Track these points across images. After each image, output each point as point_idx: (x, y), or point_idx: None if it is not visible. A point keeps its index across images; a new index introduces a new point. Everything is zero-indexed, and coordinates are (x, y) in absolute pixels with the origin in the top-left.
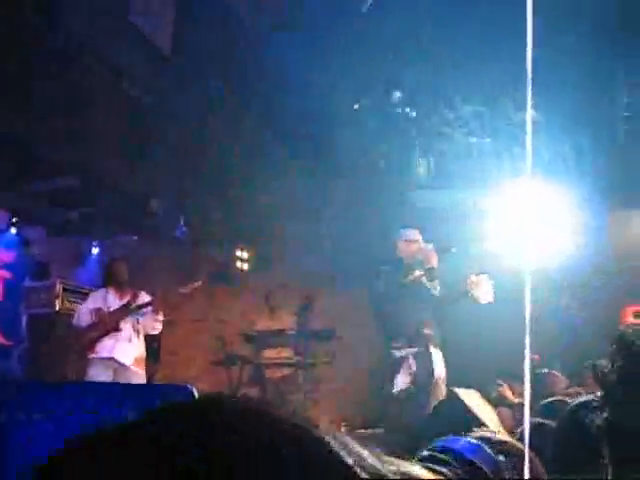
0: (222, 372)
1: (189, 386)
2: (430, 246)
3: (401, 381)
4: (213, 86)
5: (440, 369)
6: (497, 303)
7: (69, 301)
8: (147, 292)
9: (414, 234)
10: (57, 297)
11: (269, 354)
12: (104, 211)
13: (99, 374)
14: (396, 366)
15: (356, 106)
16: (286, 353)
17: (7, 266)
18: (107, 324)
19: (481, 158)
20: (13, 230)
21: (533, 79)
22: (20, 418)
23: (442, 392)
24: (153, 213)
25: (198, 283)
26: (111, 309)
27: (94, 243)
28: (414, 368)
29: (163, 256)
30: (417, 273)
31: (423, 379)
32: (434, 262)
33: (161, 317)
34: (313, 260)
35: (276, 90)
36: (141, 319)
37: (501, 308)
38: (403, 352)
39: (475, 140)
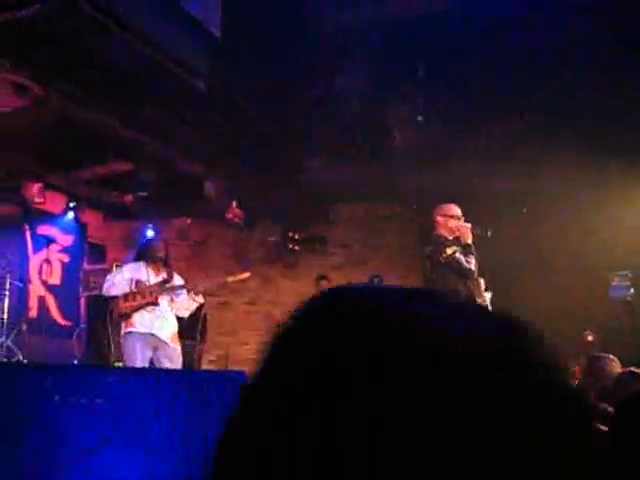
0: None
1: (243, 372)
2: (467, 224)
3: None
4: (263, 68)
5: None
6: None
7: None
8: (201, 274)
9: (452, 209)
10: None
11: None
12: (158, 195)
13: (140, 349)
14: None
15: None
16: None
17: (65, 250)
18: (146, 296)
19: None
20: (70, 214)
21: None
22: (80, 402)
23: None
24: (207, 196)
25: (246, 275)
26: (148, 283)
27: (149, 226)
28: None
29: (216, 238)
30: (451, 250)
31: None
32: (469, 239)
33: (201, 299)
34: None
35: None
36: (176, 298)
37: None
38: None
39: None
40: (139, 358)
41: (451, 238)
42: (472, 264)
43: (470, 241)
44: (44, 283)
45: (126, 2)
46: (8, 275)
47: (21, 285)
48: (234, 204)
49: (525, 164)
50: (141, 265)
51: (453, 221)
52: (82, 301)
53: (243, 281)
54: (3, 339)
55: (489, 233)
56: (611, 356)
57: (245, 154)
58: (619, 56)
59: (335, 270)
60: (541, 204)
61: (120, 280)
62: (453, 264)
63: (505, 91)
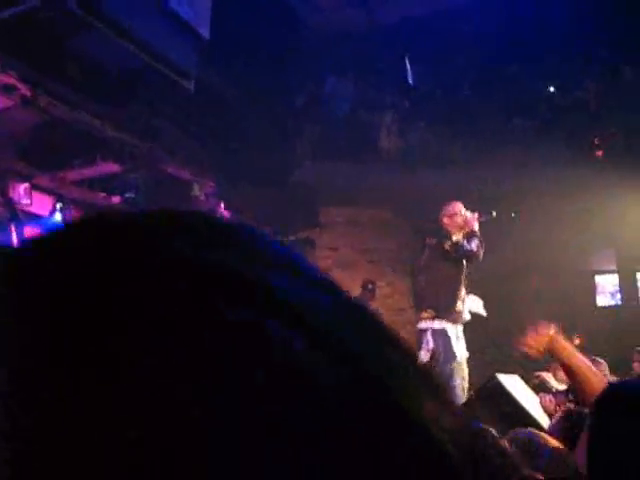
0: None
1: None
2: (473, 214)
3: (422, 357)
4: (253, 70)
5: (462, 350)
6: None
7: None
8: None
9: (454, 207)
10: None
11: None
12: (146, 196)
13: None
14: (417, 340)
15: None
16: None
17: None
18: None
19: None
20: (57, 216)
21: None
22: None
23: (464, 374)
24: (194, 198)
25: None
26: None
27: None
28: (431, 345)
29: None
30: (454, 238)
31: (441, 357)
32: (473, 226)
33: None
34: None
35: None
36: None
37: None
38: (423, 325)
39: None
40: None
41: (465, 231)
42: (474, 246)
43: (476, 227)
44: None
45: (114, 1)
46: None
47: None
48: (222, 206)
49: (512, 167)
50: None
51: (458, 217)
52: None
53: None
54: None
55: (494, 214)
56: (598, 359)
57: (233, 156)
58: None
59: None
60: (528, 208)
61: None
62: (458, 250)
63: (491, 95)
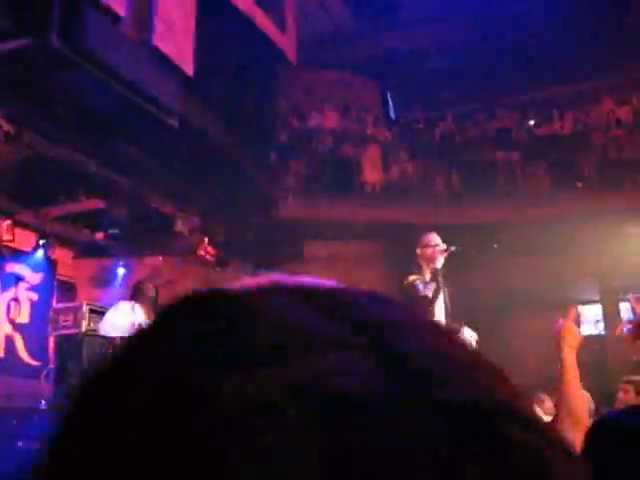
0: None
1: None
2: (442, 248)
3: None
4: (236, 106)
5: None
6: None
7: (95, 322)
8: None
9: (427, 238)
10: (83, 318)
11: None
12: (130, 232)
13: None
14: None
15: None
16: None
17: (34, 288)
18: None
19: None
20: (40, 252)
21: None
22: None
23: None
24: (178, 233)
25: None
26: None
27: (120, 264)
28: None
29: (190, 276)
30: (410, 278)
31: None
32: (437, 263)
33: None
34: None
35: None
36: None
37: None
38: None
39: None
40: None
41: (430, 267)
42: (430, 291)
43: (439, 265)
44: (12, 322)
45: (98, 39)
46: None
47: None
48: (206, 241)
49: (495, 197)
50: (132, 305)
51: (428, 249)
52: (51, 340)
53: None
54: None
55: (452, 248)
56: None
57: (217, 191)
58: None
59: None
60: (513, 237)
61: (120, 322)
62: (411, 291)
63: (474, 127)
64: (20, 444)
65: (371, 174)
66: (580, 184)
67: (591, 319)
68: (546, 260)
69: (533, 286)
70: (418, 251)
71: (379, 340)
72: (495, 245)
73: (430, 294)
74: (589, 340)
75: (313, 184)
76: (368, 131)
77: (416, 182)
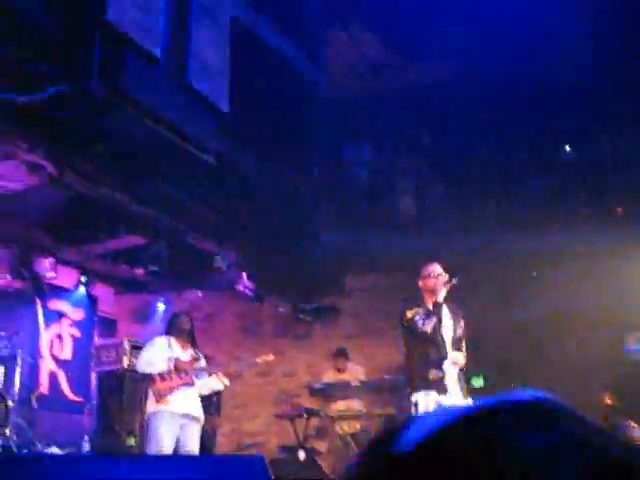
0: (288, 426)
1: (262, 457)
2: (444, 279)
3: None
4: (271, 142)
5: None
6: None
7: (136, 358)
8: (213, 346)
9: (428, 268)
10: (124, 354)
11: (337, 406)
12: (169, 268)
13: (169, 428)
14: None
15: None
16: (355, 405)
17: (77, 324)
18: (182, 376)
19: None
20: (82, 289)
21: None
22: None
23: None
24: (218, 268)
25: (270, 357)
26: (180, 359)
27: (160, 299)
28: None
29: (229, 311)
30: (409, 314)
31: None
32: (439, 296)
33: (227, 381)
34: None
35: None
36: (199, 375)
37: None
38: (413, 398)
39: None
40: (167, 436)
41: (432, 298)
42: (429, 326)
43: (441, 298)
44: (55, 358)
45: (137, 81)
46: (19, 351)
47: (32, 361)
48: (244, 276)
49: (533, 226)
50: (168, 339)
51: (430, 280)
52: (93, 376)
53: (268, 362)
54: (13, 417)
55: (454, 281)
56: (632, 423)
57: (255, 226)
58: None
59: (348, 340)
60: (551, 265)
61: (156, 359)
62: (411, 327)
63: (509, 158)
64: None
65: (406, 205)
66: (620, 210)
67: (637, 346)
68: (591, 288)
69: (575, 313)
70: (420, 283)
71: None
72: (534, 273)
73: (429, 329)
74: (636, 367)
75: (349, 216)
76: (402, 162)
77: (451, 212)
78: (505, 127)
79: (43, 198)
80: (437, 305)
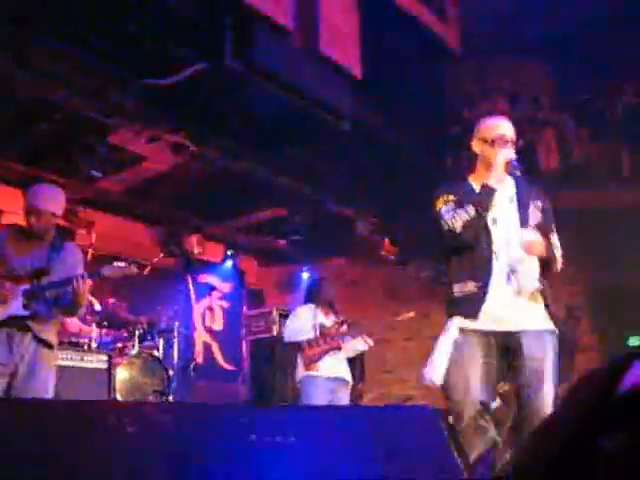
0: (437, 391)
1: (429, 407)
2: (507, 151)
3: None
4: (405, 103)
5: None
6: None
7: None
8: (359, 312)
9: (492, 124)
10: (274, 323)
11: None
12: (311, 237)
13: (321, 393)
14: None
15: None
16: None
17: (226, 296)
18: (329, 342)
19: None
20: (229, 262)
21: None
22: (276, 440)
23: None
24: (359, 235)
25: (411, 314)
26: (325, 325)
27: (304, 269)
28: None
29: (373, 277)
30: (438, 204)
31: None
32: (496, 166)
33: (371, 342)
34: None
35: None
36: (344, 339)
37: None
38: None
39: None
40: (320, 401)
41: (492, 169)
42: (461, 217)
43: (492, 182)
44: (208, 329)
45: (269, 54)
46: (176, 324)
47: (187, 332)
48: (387, 241)
49: None
50: (312, 308)
51: (486, 140)
52: (244, 345)
53: (410, 318)
54: (175, 384)
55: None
56: None
57: (393, 190)
58: None
59: None
60: None
61: (302, 326)
62: (437, 224)
63: None
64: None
65: (547, 159)
66: None
67: None
68: None
69: None
70: (472, 143)
71: None
72: None
73: (459, 223)
74: None
75: None
76: (541, 115)
77: (596, 165)
78: None
79: (187, 177)
80: (484, 188)
